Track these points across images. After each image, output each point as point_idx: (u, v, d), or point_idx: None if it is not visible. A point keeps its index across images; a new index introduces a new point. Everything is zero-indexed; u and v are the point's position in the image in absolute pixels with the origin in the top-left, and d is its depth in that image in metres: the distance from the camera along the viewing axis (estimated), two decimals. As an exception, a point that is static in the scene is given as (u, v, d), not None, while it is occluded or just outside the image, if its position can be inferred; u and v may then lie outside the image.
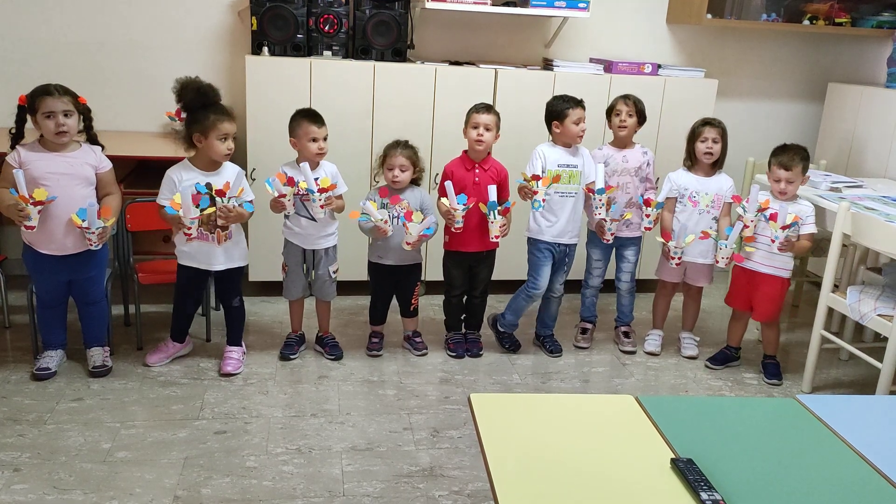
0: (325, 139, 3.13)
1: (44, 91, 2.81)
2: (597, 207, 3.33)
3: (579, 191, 3.38)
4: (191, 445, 2.64)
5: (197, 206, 2.86)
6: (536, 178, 3.19)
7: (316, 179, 3.07)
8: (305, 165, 3.06)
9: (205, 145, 2.95)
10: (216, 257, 3.08)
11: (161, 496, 2.35)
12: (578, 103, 3.32)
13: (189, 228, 2.88)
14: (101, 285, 3.12)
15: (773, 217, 3.16)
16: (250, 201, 3.09)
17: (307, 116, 3.12)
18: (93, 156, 2.96)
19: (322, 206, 3.08)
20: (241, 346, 3.29)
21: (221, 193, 2.93)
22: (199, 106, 2.95)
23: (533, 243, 3.44)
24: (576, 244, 3.47)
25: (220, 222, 2.98)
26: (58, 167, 2.85)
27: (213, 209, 2.92)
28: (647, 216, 3.38)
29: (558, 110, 3.33)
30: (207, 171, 3.01)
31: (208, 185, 2.94)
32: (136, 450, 2.60)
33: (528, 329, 3.71)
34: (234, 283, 3.21)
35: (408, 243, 3.17)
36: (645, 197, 3.41)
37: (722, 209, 3.46)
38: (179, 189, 2.91)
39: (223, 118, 2.94)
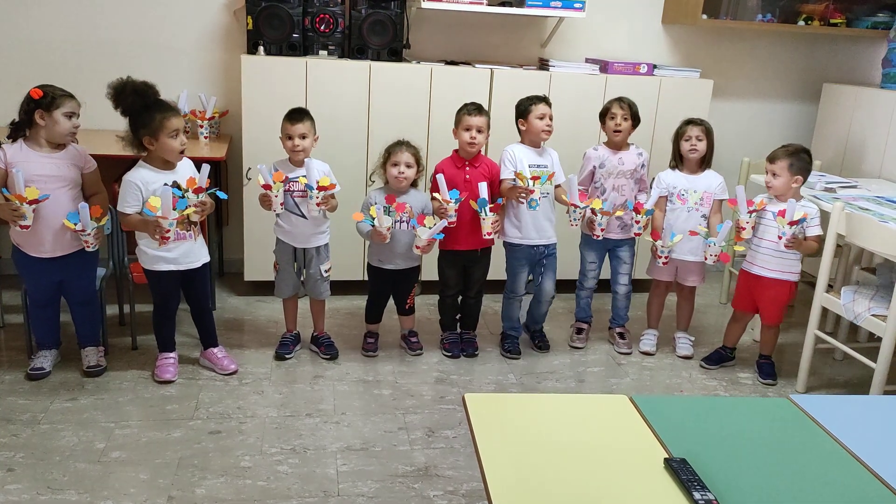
0: (302, 137, 3.08)
1: (68, 93, 2.84)
2: (575, 220, 3.29)
3: (551, 191, 3.35)
4: (185, 445, 2.64)
5: (174, 209, 2.80)
6: (535, 178, 3.18)
7: (304, 177, 3.07)
8: (309, 162, 3.07)
9: (157, 147, 2.84)
10: (194, 255, 3.02)
11: (155, 496, 2.35)
12: (543, 99, 3.32)
13: (168, 231, 2.81)
14: (92, 285, 3.11)
15: (781, 213, 3.15)
16: (219, 190, 3.02)
17: (287, 114, 3.12)
18: (79, 156, 2.94)
19: (318, 205, 3.08)
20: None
21: (200, 190, 2.87)
22: (141, 107, 2.81)
23: (509, 249, 3.43)
24: (555, 243, 3.44)
25: (194, 218, 2.92)
26: (45, 169, 2.83)
27: (190, 209, 2.86)
28: (637, 222, 3.38)
29: (522, 108, 3.33)
30: (166, 171, 2.91)
31: (177, 185, 2.86)
32: (130, 450, 2.59)
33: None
34: (206, 284, 3.16)
35: (418, 247, 3.15)
36: (635, 202, 3.40)
37: (712, 207, 3.46)
38: (146, 194, 2.83)
39: (170, 115, 2.81)
